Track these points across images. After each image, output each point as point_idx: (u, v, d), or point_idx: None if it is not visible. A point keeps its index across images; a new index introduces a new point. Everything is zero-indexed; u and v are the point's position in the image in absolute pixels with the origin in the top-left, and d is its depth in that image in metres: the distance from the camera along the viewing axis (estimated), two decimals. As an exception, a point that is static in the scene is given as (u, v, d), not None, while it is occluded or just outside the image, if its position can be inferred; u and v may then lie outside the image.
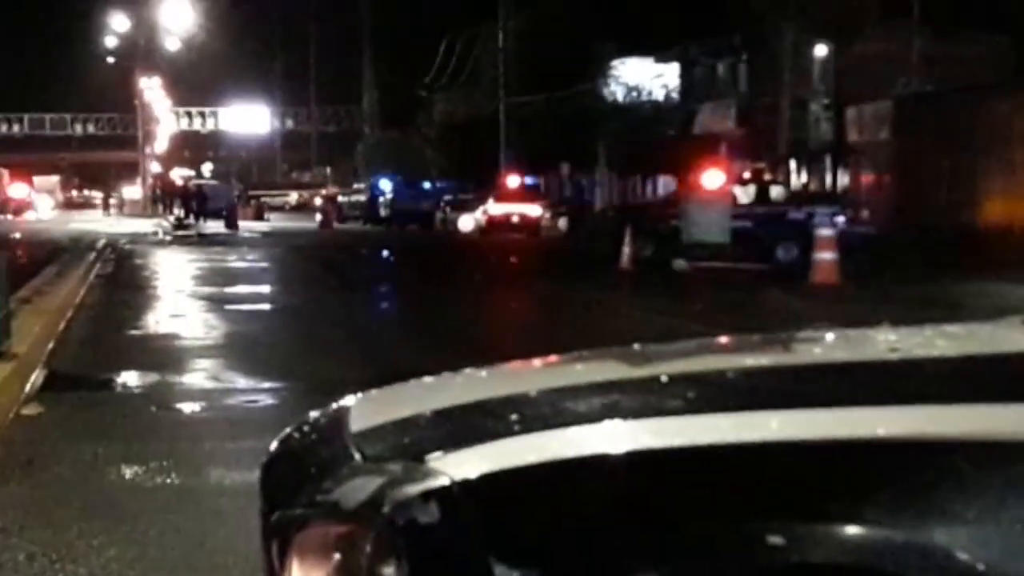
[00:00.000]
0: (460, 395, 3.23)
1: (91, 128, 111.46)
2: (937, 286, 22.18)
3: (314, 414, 3.37)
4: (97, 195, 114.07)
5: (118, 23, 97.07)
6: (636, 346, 3.93)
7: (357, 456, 2.79)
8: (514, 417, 2.84)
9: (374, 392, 3.49)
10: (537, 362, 3.91)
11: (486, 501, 2.50)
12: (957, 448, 2.44)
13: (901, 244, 32.93)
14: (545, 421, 2.77)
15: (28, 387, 12.19)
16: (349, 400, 3.36)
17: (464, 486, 2.50)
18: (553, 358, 3.94)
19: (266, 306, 21.80)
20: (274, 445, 3.27)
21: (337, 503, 2.62)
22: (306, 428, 3.30)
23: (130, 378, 13.14)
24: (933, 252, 29.02)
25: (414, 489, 2.51)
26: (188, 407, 11.61)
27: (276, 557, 2.74)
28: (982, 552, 2.30)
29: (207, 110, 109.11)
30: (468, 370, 3.73)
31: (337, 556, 2.54)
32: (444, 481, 2.51)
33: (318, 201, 70.32)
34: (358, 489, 2.60)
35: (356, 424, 3.04)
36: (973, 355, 3.22)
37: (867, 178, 46.99)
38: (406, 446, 2.79)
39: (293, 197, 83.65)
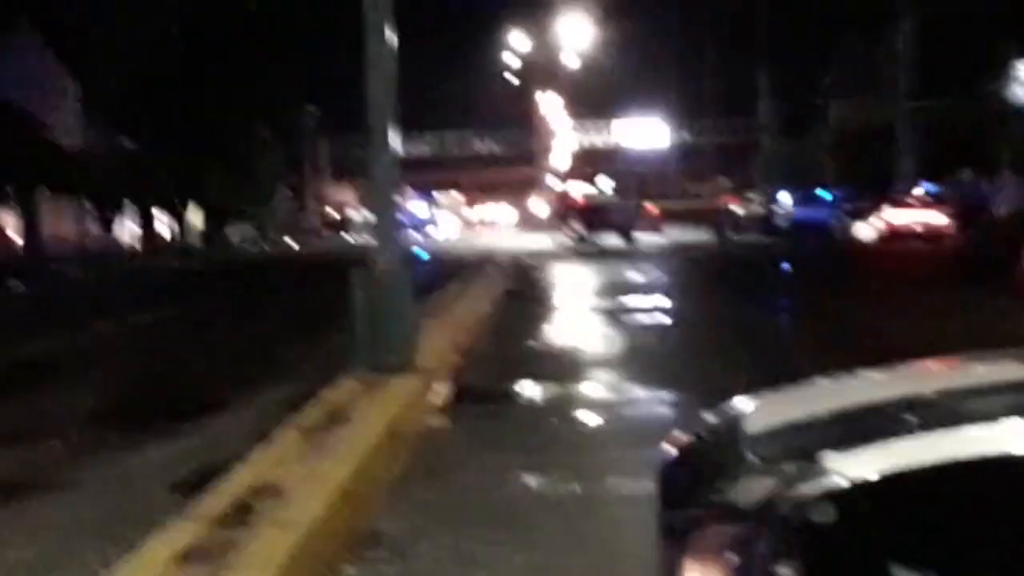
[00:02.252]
0: (854, 396, 3.19)
1: (492, 145, 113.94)
2: None
3: (707, 417, 3.38)
4: (497, 212, 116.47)
5: (518, 42, 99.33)
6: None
7: (752, 457, 2.79)
8: (911, 417, 2.79)
9: (767, 394, 3.47)
10: (932, 364, 3.84)
11: (883, 501, 2.47)
12: None
13: None
14: (943, 421, 2.72)
15: (435, 399, 12.55)
16: (742, 402, 3.36)
17: (861, 486, 2.47)
18: (949, 359, 3.86)
19: (663, 317, 21.88)
20: (669, 448, 3.30)
21: (732, 503, 2.64)
22: (700, 431, 3.32)
23: (531, 390, 13.39)
24: None
25: (810, 489, 2.49)
26: (588, 417, 11.76)
27: (672, 557, 2.76)
28: None
29: (605, 125, 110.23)
30: (862, 372, 3.68)
31: (732, 556, 2.55)
32: (840, 481, 2.49)
33: (745, 211, 69.87)
34: (753, 489, 2.61)
35: (750, 426, 3.04)
36: None
37: None
38: (801, 447, 2.76)
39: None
